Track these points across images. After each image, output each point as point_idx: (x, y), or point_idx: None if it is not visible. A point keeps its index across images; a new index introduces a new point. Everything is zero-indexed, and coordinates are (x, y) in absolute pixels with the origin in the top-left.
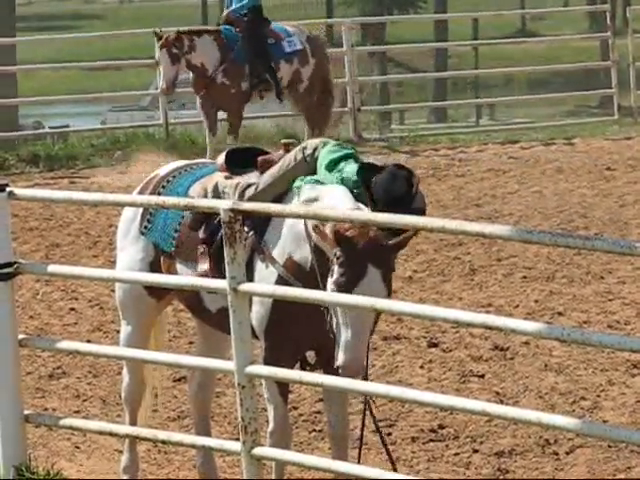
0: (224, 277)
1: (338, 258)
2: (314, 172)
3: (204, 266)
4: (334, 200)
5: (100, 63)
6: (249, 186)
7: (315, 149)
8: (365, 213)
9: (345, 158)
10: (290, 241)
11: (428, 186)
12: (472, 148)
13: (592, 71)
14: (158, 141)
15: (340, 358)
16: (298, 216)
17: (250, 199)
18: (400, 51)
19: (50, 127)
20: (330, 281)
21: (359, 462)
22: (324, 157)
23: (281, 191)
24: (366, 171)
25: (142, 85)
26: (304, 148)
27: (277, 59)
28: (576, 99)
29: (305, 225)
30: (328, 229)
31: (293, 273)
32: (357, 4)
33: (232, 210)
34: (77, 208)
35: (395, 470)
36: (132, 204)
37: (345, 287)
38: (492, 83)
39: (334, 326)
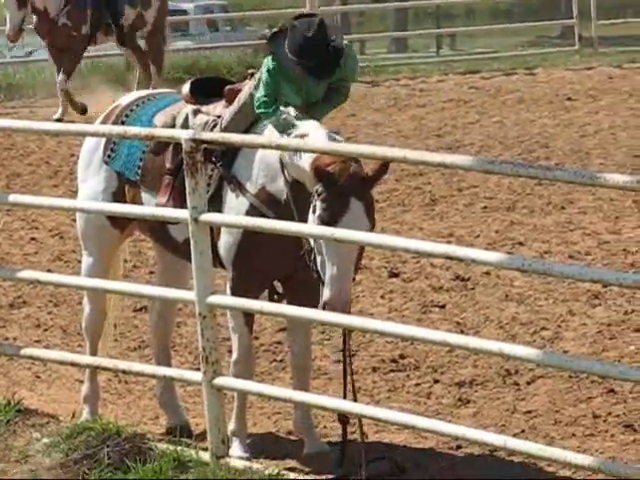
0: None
1: (320, 194)
2: None
3: (163, 199)
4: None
5: None
6: (216, 125)
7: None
8: (328, 143)
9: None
10: (263, 173)
11: (389, 116)
12: (433, 78)
13: (553, 1)
14: (118, 71)
15: (326, 294)
16: (261, 146)
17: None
18: None
19: (12, 56)
20: (313, 216)
21: (345, 397)
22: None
23: (248, 124)
24: (276, 35)
25: None
26: (254, 76)
27: (122, 3)
28: (537, 29)
29: (280, 159)
30: (307, 165)
31: (265, 203)
32: None
33: (193, 140)
34: (38, 138)
35: (355, 400)
36: (94, 134)
37: (329, 222)
38: (453, 13)
39: (318, 264)
